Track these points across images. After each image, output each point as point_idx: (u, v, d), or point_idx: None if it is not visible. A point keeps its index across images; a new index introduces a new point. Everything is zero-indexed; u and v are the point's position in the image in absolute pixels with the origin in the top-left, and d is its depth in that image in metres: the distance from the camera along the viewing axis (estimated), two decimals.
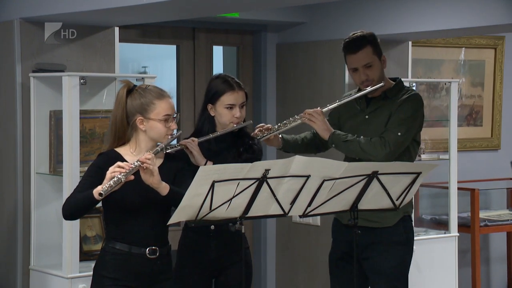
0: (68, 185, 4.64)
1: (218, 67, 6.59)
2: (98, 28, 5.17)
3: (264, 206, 3.53)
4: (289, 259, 6.51)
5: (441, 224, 6.42)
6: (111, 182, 3.32)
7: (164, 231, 3.62)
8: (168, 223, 3.47)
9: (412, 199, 4.17)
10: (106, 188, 3.32)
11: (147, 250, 3.56)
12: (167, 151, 3.67)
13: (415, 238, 6.04)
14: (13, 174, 4.97)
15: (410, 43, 6.42)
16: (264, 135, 4.15)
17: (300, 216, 3.71)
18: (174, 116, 3.61)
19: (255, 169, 3.37)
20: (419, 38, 6.55)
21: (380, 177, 3.67)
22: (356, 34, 4.21)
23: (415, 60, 6.72)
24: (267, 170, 3.39)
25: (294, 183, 3.51)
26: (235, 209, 3.48)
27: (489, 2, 5.58)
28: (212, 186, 3.32)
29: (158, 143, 3.59)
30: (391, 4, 5.95)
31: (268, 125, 4.19)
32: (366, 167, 3.65)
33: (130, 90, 3.60)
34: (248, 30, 6.56)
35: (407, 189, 3.79)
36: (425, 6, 5.81)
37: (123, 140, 3.61)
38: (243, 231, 3.59)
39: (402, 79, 4.30)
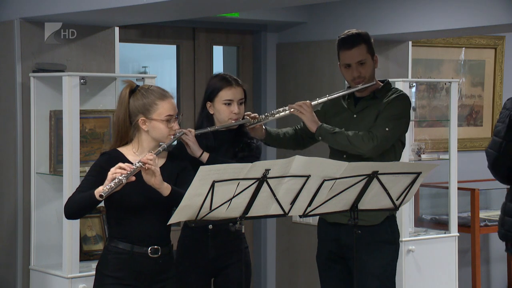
0: (68, 185, 4.64)
1: (218, 67, 6.59)
2: (98, 28, 5.17)
3: (264, 206, 3.53)
4: (289, 259, 6.51)
5: (441, 224, 6.42)
6: (112, 184, 3.33)
7: (166, 230, 3.62)
8: (168, 223, 3.47)
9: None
10: (107, 190, 3.32)
11: (149, 249, 3.57)
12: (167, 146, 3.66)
13: (415, 238, 6.06)
14: (13, 174, 4.97)
15: (410, 43, 6.42)
16: (251, 123, 4.18)
17: (300, 216, 3.71)
18: (177, 116, 3.62)
19: (255, 169, 3.37)
20: (419, 38, 6.55)
21: (380, 177, 3.68)
22: (351, 32, 4.25)
23: (415, 60, 6.73)
24: (267, 170, 3.39)
25: (294, 183, 3.51)
26: (235, 209, 3.48)
27: (489, 2, 5.58)
28: (212, 186, 3.32)
29: (161, 143, 3.60)
30: (391, 4, 5.95)
31: (255, 114, 4.22)
32: (366, 167, 3.65)
33: (133, 90, 3.61)
34: (248, 30, 6.56)
35: (407, 189, 3.79)
36: (425, 6, 5.81)
37: (125, 140, 3.62)
38: (243, 231, 3.59)
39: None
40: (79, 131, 4.71)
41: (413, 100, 6.35)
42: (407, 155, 5.84)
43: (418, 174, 3.74)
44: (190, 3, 4.56)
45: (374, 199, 3.77)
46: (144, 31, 6.08)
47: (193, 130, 3.93)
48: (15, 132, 4.95)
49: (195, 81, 6.29)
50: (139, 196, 3.52)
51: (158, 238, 3.60)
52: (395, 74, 6.25)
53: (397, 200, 3.82)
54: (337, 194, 3.66)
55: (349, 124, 4.23)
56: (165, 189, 3.46)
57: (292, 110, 4.20)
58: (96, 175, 3.52)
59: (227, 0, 4.53)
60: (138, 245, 3.56)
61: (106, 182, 3.36)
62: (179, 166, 3.67)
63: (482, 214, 6.84)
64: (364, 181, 3.67)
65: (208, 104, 4.06)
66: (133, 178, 3.38)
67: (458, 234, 6.16)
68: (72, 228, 4.67)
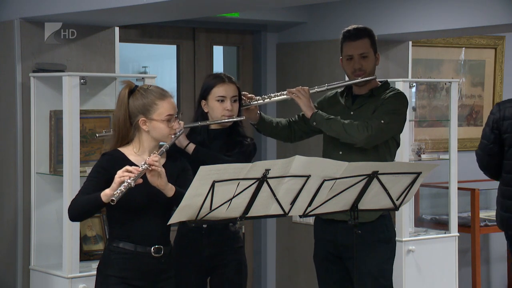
0: (68, 185, 4.64)
1: (218, 67, 6.59)
2: (98, 28, 5.17)
3: (264, 206, 3.53)
4: (289, 259, 6.51)
5: (441, 224, 6.42)
6: (122, 188, 3.33)
7: (167, 230, 3.63)
8: (168, 223, 3.47)
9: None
10: (118, 194, 3.32)
11: (152, 249, 3.57)
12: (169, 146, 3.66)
13: (415, 238, 6.05)
14: (13, 174, 4.97)
15: (410, 43, 6.42)
16: (246, 104, 4.18)
17: (300, 216, 3.71)
18: (177, 116, 3.61)
19: (255, 169, 3.37)
20: (419, 38, 6.55)
21: (380, 177, 3.67)
22: (356, 26, 4.30)
23: (415, 60, 6.73)
24: (267, 170, 3.39)
25: (294, 183, 3.51)
26: (235, 209, 3.48)
27: (489, 2, 5.58)
28: (212, 186, 3.32)
29: (162, 143, 3.60)
30: (391, 4, 5.95)
31: (252, 95, 4.25)
32: (366, 167, 3.65)
33: (132, 90, 3.60)
34: (248, 30, 6.56)
35: (408, 189, 3.79)
36: (425, 6, 5.82)
37: (126, 140, 3.61)
38: (243, 231, 3.59)
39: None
40: (79, 131, 4.71)
41: (413, 100, 6.36)
42: (407, 155, 5.84)
43: (418, 174, 3.74)
44: (190, 3, 4.56)
45: (374, 199, 3.77)
46: (144, 31, 6.08)
47: (182, 122, 3.91)
48: (15, 132, 4.95)
49: (195, 81, 6.29)
50: (143, 196, 3.52)
51: (161, 238, 3.60)
52: (395, 74, 6.25)
53: (397, 200, 3.82)
54: (337, 194, 3.66)
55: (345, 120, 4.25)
56: (169, 190, 3.47)
57: (290, 94, 4.24)
58: (98, 176, 3.51)
59: (227, 0, 4.53)
60: (141, 245, 3.56)
61: (114, 185, 3.35)
62: (180, 166, 3.67)
63: (482, 214, 6.84)
64: (364, 181, 3.67)
65: (203, 102, 4.07)
66: (141, 181, 3.38)
67: (458, 234, 6.16)
68: (72, 228, 4.67)
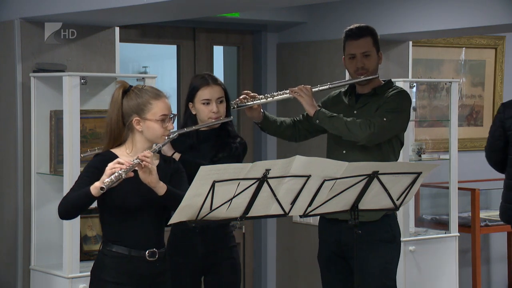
0: (68, 185, 4.63)
1: (218, 67, 6.59)
2: (98, 28, 5.17)
3: (264, 206, 3.53)
4: (289, 259, 6.51)
5: (442, 224, 6.42)
6: (112, 177, 3.29)
7: (161, 233, 3.60)
8: (169, 223, 3.46)
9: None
10: (107, 183, 3.28)
11: (147, 252, 3.54)
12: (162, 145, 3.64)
13: (415, 238, 6.05)
14: (13, 174, 4.97)
15: (410, 43, 6.42)
16: (248, 102, 4.18)
17: (300, 216, 3.71)
18: (171, 116, 3.58)
19: (255, 169, 3.37)
20: (419, 38, 6.55)
21: (381, 177, 3.67)
22: (358, 25, 4.31)
23: (415, 60, 6.72)
24: (267, 170, 3.39)
25: (294, 183, 3.51)
26: (235, 209, 3.47)
27: (489, 2, 5.58)
28: (213, 186, 3.32)
29: (155, 144, 3.57)
30: (391, 4, 5.95)
31: (254, 93, 4.24)
32: (367, 167, 3.65)
33: (126, 90, 3.57)
34: (248, 30, 6.56)
35: (408, 189, 3.79)
36: (425, 6, 5.82)
37: (119, 141, 3.57)
38: (243, 231, 3.59)
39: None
40: (79, 131, 4.71)
41: (413, 100, 6.35)
42: (407, 155, 5.84)
43: (419, 174, 3.74)
44: (190, 3, 4.56)
45: (375, 199, 3.77)
46: (144, 31, 6.08)
47: (172, 125, 3.90)
48: (15, 132, 4.95)
49: None
50: (135, 197, 3.48)
51: (155, 241, 3.56)
52: (395, 74, 6.25)
53: (397, 200, 3.82)
54: (338, 194, 3.66)
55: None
56: (161, 188, 3.43)
57: (292, 93, 4.23)
58: (90, 176, 3.46)
59: (227, 0, 4.53)
60: (135, 248, 3.52)
61: (104, 177, 3.31)
62: (173, 167, 3.64)
63: (483, 214, 6.84)
64: (365, 181, 3.67)
65: (190, 104, 4.06)
66: (132, 174, 3.35)
67: (458, 234, 6.16)
68: (72, 228, 4.67)
